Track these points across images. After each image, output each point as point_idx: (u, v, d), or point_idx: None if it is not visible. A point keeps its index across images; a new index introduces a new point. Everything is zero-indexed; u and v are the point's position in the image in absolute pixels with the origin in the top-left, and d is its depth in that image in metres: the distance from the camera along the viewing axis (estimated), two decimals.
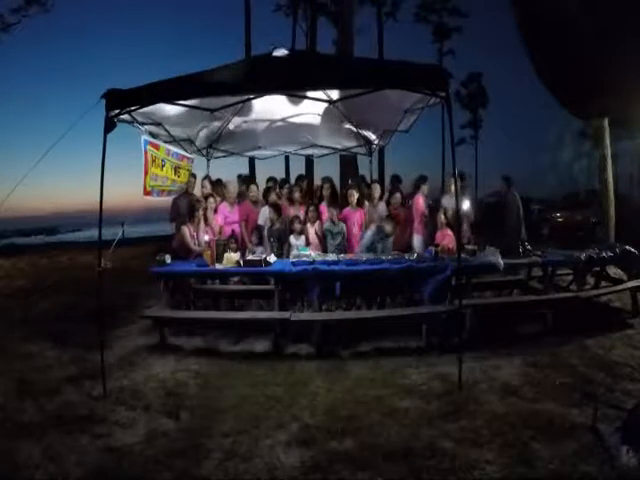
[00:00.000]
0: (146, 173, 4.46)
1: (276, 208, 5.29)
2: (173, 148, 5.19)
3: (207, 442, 2.52)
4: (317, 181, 7.12)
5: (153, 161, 4.59)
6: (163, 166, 4.86)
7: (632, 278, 4.74)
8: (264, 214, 5.44)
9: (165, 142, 5.01)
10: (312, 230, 5.22)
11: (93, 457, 2.42)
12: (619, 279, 4.97)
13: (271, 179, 6.29)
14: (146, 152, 4.42)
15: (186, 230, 5.03)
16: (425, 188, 5.69)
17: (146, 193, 4.57)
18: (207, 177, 6.22)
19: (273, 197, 5.63)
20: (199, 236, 5.09)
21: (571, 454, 2.29)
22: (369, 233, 5.10)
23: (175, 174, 5.26)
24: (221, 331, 4.44)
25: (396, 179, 6.20)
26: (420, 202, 5.60)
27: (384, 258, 4.39)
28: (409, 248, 5.27)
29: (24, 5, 16.64)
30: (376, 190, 5.64)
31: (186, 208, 5.33)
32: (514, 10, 7.67)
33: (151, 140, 4.60)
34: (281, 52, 3.66)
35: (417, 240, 5.57)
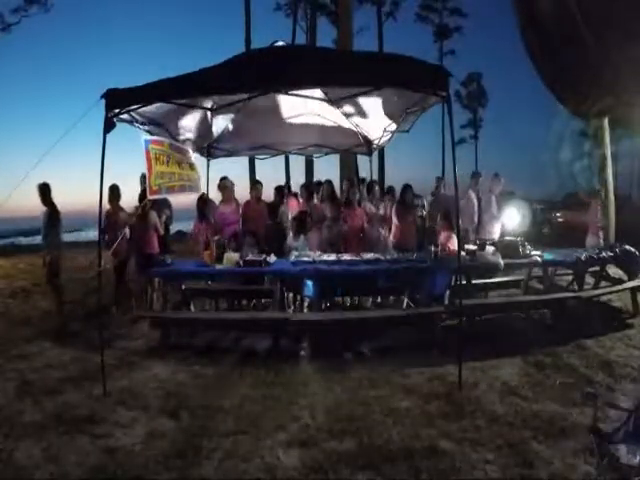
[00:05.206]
0: (150, 172, 4.35)
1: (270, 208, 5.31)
2: (175, 142, 5.08)
3: (207, 442, 2.52)
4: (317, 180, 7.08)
5: (157, 159, 4.47)
6: (168, 162, 4.73)
7: (632, 278, 4.74)
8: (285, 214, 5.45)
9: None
10: (313, 230, 5.21)
11: (93, 457, 2.42)
12: (619, 279, 4.97)
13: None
14: (148, 151, 4.32)
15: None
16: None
17: (152, 192, 4.46)
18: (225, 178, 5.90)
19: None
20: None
21: (571, 454, 2.29)
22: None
23: (180, 168, 5.13)
24: (221, 331, 4.44)
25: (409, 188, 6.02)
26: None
27: (384, 258, 4.39)
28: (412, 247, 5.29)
29: (24, 5, 16.66)
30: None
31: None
32: (514, 10, 7.68)
33: (153, 138, 4.51)
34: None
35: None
